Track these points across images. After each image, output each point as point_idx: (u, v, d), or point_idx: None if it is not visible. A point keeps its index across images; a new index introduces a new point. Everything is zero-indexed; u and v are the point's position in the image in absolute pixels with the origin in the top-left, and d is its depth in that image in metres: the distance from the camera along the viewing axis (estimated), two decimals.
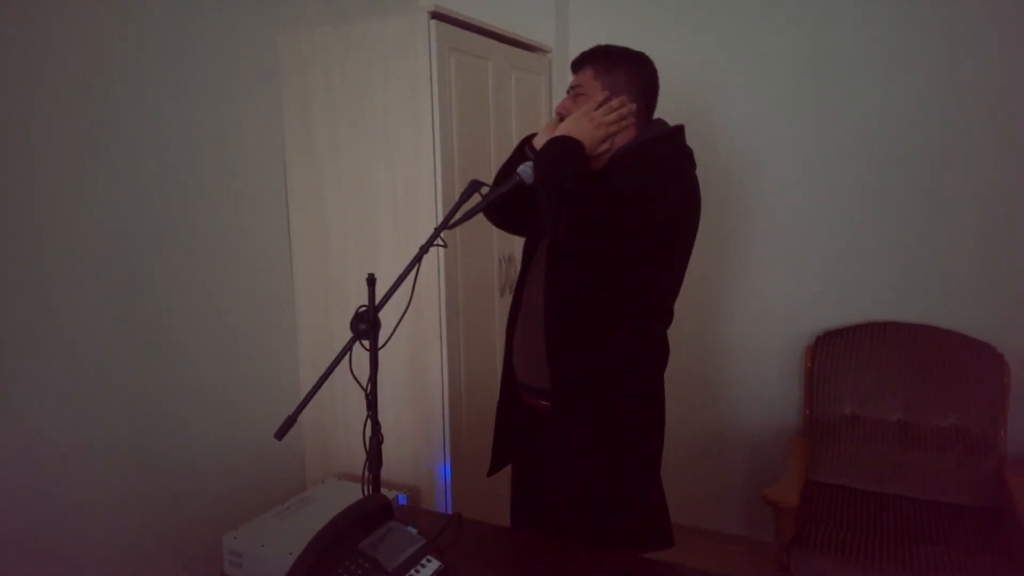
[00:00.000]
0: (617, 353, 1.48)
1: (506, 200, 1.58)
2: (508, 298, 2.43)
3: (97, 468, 1.79)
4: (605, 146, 1.49)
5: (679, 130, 1.55)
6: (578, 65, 1.56)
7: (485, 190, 1.54)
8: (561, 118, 1.54)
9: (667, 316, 1.56)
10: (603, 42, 1.63)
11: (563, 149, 1.40)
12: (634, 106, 1.50)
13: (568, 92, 1.57)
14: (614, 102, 1.48)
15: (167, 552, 1.97)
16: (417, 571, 1.09)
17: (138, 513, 1.89)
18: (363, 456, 2.29)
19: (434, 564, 1.12)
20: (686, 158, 1.51)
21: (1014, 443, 2.35)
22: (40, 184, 1.63)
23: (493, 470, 1.75)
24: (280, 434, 1.39)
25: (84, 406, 1.75)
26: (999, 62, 2.28)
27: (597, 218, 1.33)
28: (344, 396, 2.28)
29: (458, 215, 1.50)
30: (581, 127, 1.44)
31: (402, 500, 2.06)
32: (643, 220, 1.35)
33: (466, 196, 1.54)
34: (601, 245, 1.36)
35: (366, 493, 1.39)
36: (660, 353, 1.57)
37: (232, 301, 2.14)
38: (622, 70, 1.51)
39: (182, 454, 2.01)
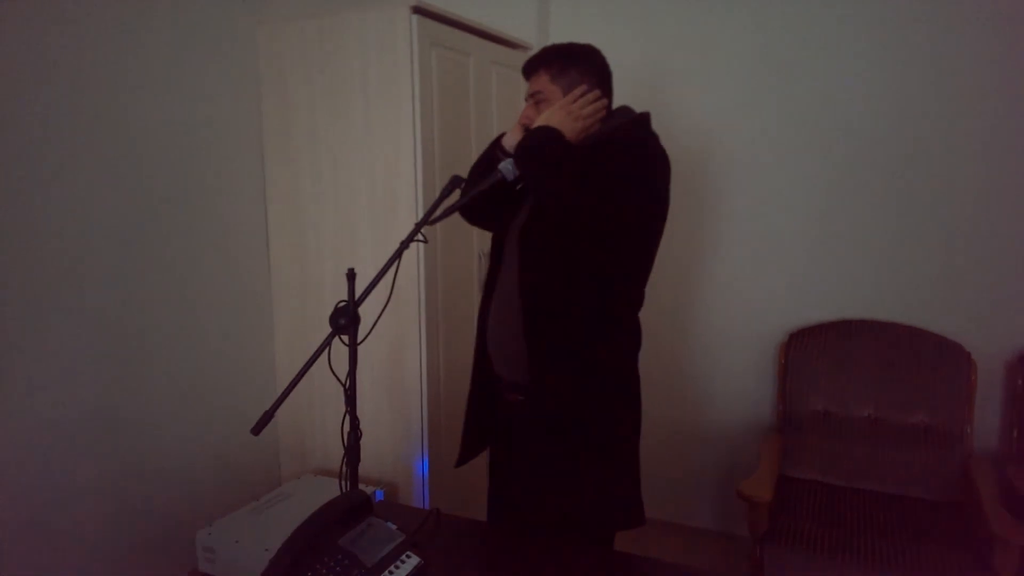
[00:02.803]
0: (593, 338, 1.50)
1: (483, 198, 1.58)
2: None
3: (69, 465, 1.76)
4: (581, 137, 1.50)
5: (645, 117, 1.57)
6: (530, 71, 1.56)
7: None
8: (525, 128, 1.54)
9: (638, 300, 1.58)
10: (584, 37, 1.64)
11: (548, 135, 1.41)
12: (606, 100, 1.53)
13: (527, 100, 1.57)
14: (590, 95, 1.49)
15: (140, 548, 1.95)
16: (396, 567, 1.09)
17: (111, 509, 1.87)
18: (339, 452, 2.28)
19: (414, 560, 1.12)
20: (654, 143, 1.53)
21: (980, 439, 2.41)
22: (11, 182, 1.59)
23: (462, 461, 1.75)
24: (257, 429, 1.38)
25: (56, 402, 1.73)
26: (975, 61, 2.33)
27: (575, 204, 1.35)
28: (321, 392, 2.27)
29: (439, 211, 1.50)
30: (562, 120, 1.45)
31: (379, 496, 2.06)
32: (621, 206, 1.37)
33: (447, 192, 1.54)
34: (577, 231, 1.38)
35: (343, 489, 1.39)
36: (634, 336, 1.59)
37: (208, 296, 2.11)
38: (575, 68, 1.52)
39: (155, 449, 1.99)
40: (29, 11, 1.61)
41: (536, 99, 1.54)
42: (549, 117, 1.46)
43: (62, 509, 1.75)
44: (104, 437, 1.85)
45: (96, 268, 1.80)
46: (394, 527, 1.16)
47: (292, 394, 1.37)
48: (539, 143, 1.41)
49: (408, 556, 1.12)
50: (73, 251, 1.74)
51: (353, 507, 1.15)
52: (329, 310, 2.15)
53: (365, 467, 2.14)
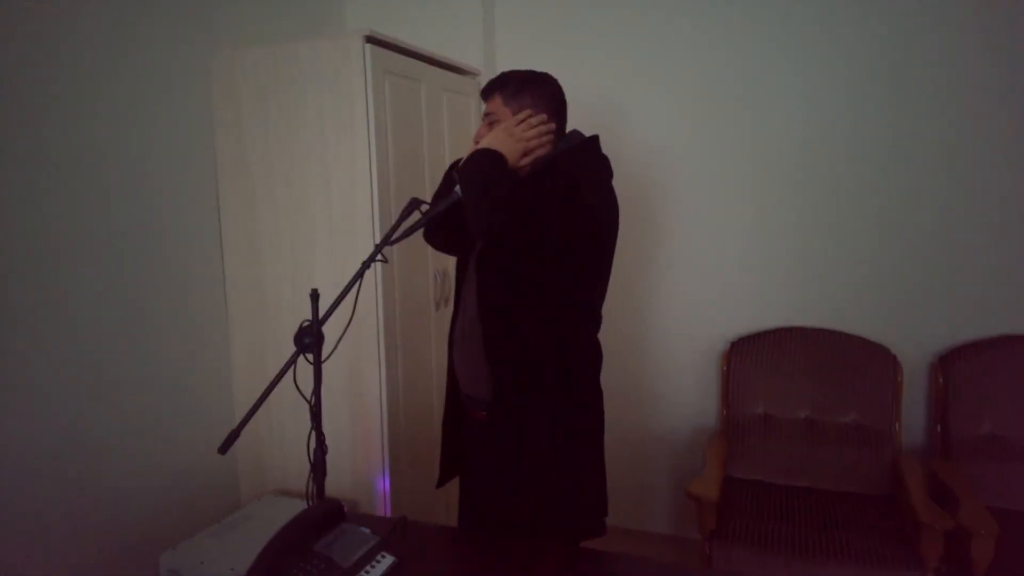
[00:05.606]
0: (551, 358, 1.56)
1: (443, 222, 1.65)
2: (443, 312, 2.51)
3: (28, 491, 1.75)
4: (527, 160, 1.57)
5: (594, 140, 1.64)
6: (487, 94, 1.63)
7: (425, 207, 1.61)
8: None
9: (595, 320, 1.65)
10: (529, 64, 1.73)
11: (484, 158, 1.48)
12: (554, 125, 1.60)
13: (484, 120, 1.65)
14: (533, 119, 1.56)
15: (103, 573, 1.93)
16: (372, 567, 1.15)
17: (71, 534, 1.86)
18: (300, 471, 2.31)
19: (388, 559, 1.18)
20: (602, 166, 1.61)
21: (908, 436, 2.58)
22: None
23: (442, 482, 1.80)
24: (224, 448, 1.42)
25: (14, 428, 1.72)
26: (903, 81, 2.52)
27: (520, 225, 1.41)
28: (279, 412, 2.29)
29: (398, 232, 1.57)
30: (502, 141, 1.52)
31: None
32: (565, 228, 1.44)
33: (406, 213, 1.60)
34: (526, 252, 1.45)
35: (310, 505, 1.43)
36: (592, 355, 1.66)
37: (165, 318, 2.13)
38: (528, 93, 1.59)
39: (114, 472, 1.98)
40: None
41: (489, 120, 1.61)
42: (491, 139, 1.53)
43: (24, 537, 1.74)
44: (63, 461, 1.84)
45: (52, 295, 1.80)
46: (367, 531, 1.22)
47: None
48: (475, 163, 1.48)
49: (383, 556, 1.18)
50: (30, 281, 1.75)
51: (327, 515, 1.20)
52: (286, 332, 2.19)
53: (326, 485, 2.16)
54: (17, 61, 1.69)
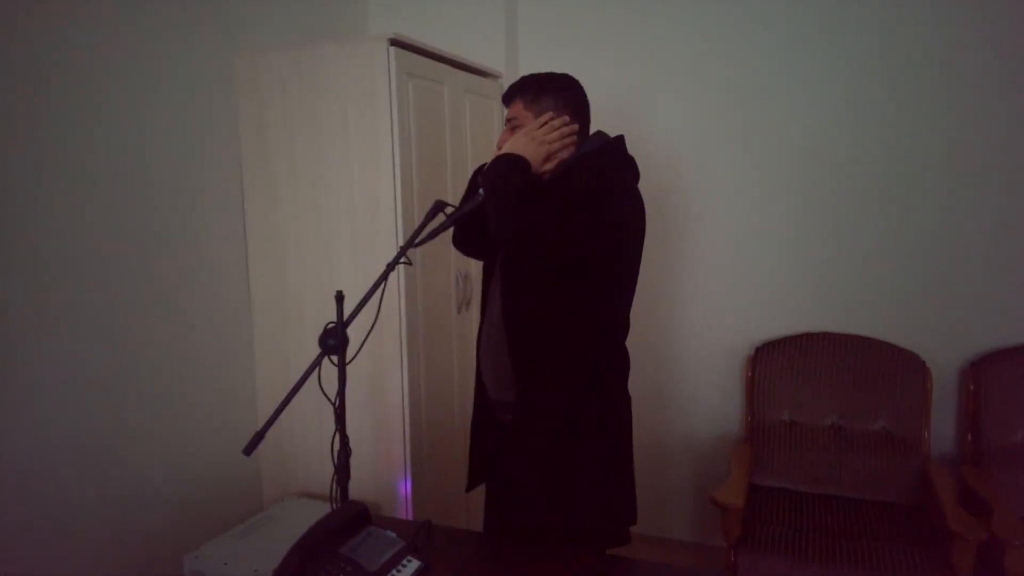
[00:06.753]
0: (575, 363, 1.54)
1: (470, 226, 1.64)
2: (465, 315, 2.50)
3: (54, 493, 1.77)
4: (549, 164, 1.55)
5: (619, 141, 1.62)
6: (509, 98, 1.62)
7: (449, 210, 1.61)
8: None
9: (622, 325, 1.62)
10: (551, 66, 1.71)
11: (507, 164, 1.47)
12: (576, 126, 1.58)
13: (506, 125, 1.64)
14: (555, 122, 1.55)
15: (127, 574, 1.94)
16: (399, 571, 1.14)
17: (96, 536, 1.87)
18: (322, 473, 2.31)
19: (415, 563, 1.17)
20: (627, 167, 1.59)
21: (937, 444, 2.53)
22: None
23: (471, 486, 1.79)
24: (249, 449, 1.41)
25: (39, 430, 1.73)
26: (934, 85, 2.48)
27: (543, 229, 1.40)
28: (300, 415, 2.29)
29: (423, 234, 1.56)
30: (524, 145, 1.51)
31: None
32: (586, 233, 1.42)
33: (431, 216, 1.60)
34: (548, 257, 1.43)
35: (334, 507, 1.42)
36: (619, 361, 1.64)
37: (189, 320, 2.14)
38: (548, 96, 1.58)
39: (137, 475, 1.99)
40: (16, 40, 1.64)
41: (512, 125, 1.60)
42: (513, 143, 1.52)
43: (48, 536, 1.75)
44: (88, 464, 1.85)
45: (80, 296, 1.81)
46: (393, 535, 1.21)
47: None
48: (497, 168, 1.47)
49: (409, 561, 1.17)
50: (58, 281, 1.76)
51: (352, 518, 1.19)
52: (309, 336, 2.19)
53: (348, 487, 2.16)
54: (45, 64, 1.71)
